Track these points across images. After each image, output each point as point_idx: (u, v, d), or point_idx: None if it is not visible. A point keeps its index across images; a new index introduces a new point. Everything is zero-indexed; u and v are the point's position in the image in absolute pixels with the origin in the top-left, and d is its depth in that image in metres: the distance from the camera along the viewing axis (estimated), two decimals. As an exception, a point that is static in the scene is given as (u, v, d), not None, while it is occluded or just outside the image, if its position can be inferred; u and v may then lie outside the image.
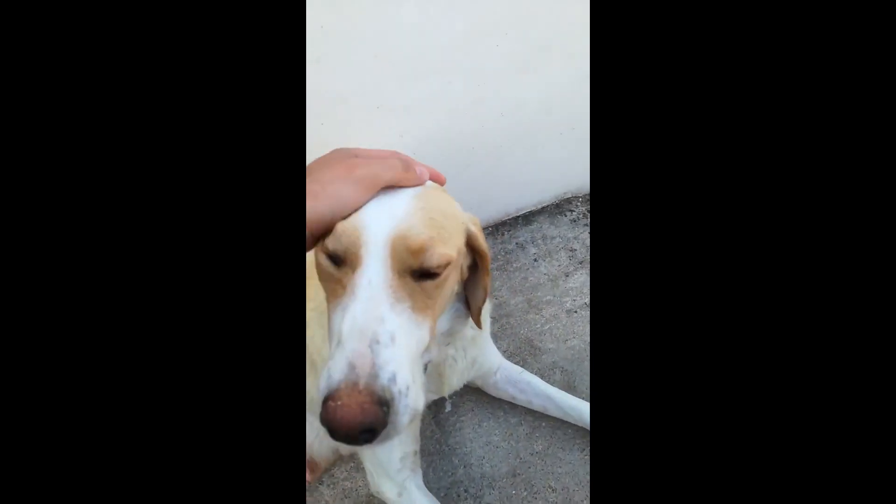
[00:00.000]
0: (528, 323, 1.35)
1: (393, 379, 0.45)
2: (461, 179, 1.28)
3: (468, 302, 0.70)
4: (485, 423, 1.21)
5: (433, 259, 0.51)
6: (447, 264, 0.53)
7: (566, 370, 1.26)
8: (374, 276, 0.49)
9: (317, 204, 0.49)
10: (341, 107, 1.06)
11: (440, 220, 0.54)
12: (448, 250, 0.53)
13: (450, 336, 0.75)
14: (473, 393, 1.25)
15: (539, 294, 1.39)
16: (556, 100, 1.24)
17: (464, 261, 0.64)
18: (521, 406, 1.19)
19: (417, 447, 0.92)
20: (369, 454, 0.86)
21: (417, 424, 0.93)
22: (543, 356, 1.29)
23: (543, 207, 1.51)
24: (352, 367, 0.45)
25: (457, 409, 1.24)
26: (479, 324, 0.71)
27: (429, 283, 0.52)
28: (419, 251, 0.51)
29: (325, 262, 0.53)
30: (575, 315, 1.34)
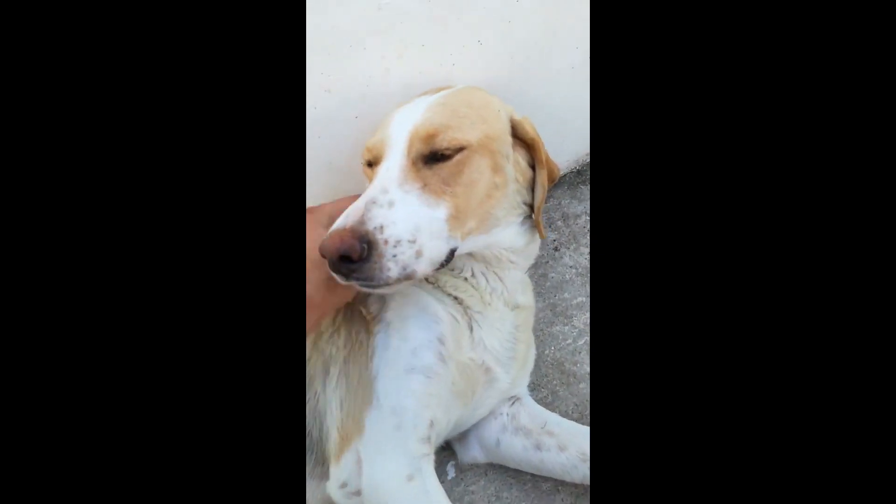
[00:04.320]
0: (554, 338, 0.96)
1: (380, 228, 0.55)
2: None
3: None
4: (505, 494, 0.83)
5: (442, 142, 0.61)
6: (459, 148, 0.62)
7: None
8: (390, 164, 0.61)
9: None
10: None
11: (463, 109, 0.65)
12: (463, 135, 0.62)
13: (520, 254, 0.76)
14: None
15: (566, 296, 1.00)
16: (562, 24, 0.85)
17: (521, 157, 0.71)
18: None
19: (448, 422, 0.72)
20: (386, 412, 0.65)
21: (451, 387, 0.71)
22: (580, 385, 0.91)
23: (561, 177, 1.12)
24: (345, 216, 0.56)
25: (463, 474, 0.86)
26: (539, 230, 0.74)
27: (443, 168, 0.61)
28: (429, 137, 0.61)
29: (367, 170, 0.68)
30: (618, 322, 0.96)
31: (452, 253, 0.63)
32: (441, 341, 0.69)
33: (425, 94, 0.71)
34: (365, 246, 0.54)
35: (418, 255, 0.57)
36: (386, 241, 0.55)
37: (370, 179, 0.65)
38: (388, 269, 0.55)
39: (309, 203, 0.86)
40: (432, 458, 0.68)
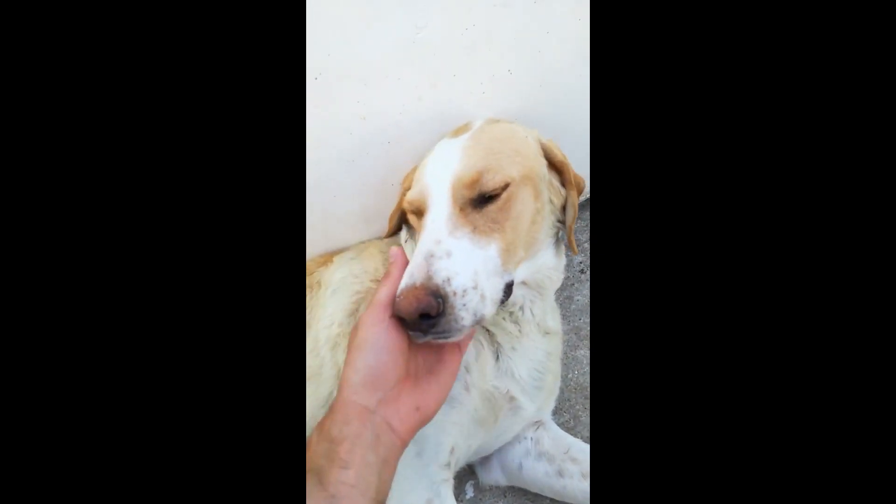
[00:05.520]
0: (578, 362, 0.97)
1: (447, 281, 0.56)
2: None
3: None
4: (524, 517, 0.83)
5: (488, 185, 0.62)
6: (505, 185, 0.63)
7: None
8: (436, 215, 0.62)
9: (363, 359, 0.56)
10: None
11: (496, 146, 0.67)
12: (507, 172, 0.64)
13: (558, 271, 0.77)
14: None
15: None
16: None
17: (553, 178, 0.72)
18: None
19: (468, 448, 0.75)
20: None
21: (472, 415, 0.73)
22: (604, 411, 0.91)
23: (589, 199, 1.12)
24: (411, 275, 0.57)
25: (482, 494, 0.87)
26: (573, 246, 0.74)
27: (491, 207, 0.63)
28: (473, 183, 0.62)
29: (412, 217, 0.70)
30: (644, 349, 0.95)
31: (510, 287, 0.64)
32: (466, 370, 0.71)
33: (446, 137, 0.73)
34: (440, 300, 0.54)
35: (483, 298, 0.58)
36: (455, 293, 0.56)
37: (417, 229, 0.67)
38: (462, 319, 0.55)
39: (346, 224, 0.90)
40: (451, 482, 0.69)
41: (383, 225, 0.90)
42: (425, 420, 0.57)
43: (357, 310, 0.79)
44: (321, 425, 0.52)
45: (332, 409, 0.53)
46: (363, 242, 0.91)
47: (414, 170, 0.76)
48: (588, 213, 1.12)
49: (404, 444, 0.55)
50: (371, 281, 0.81)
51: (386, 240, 0.86)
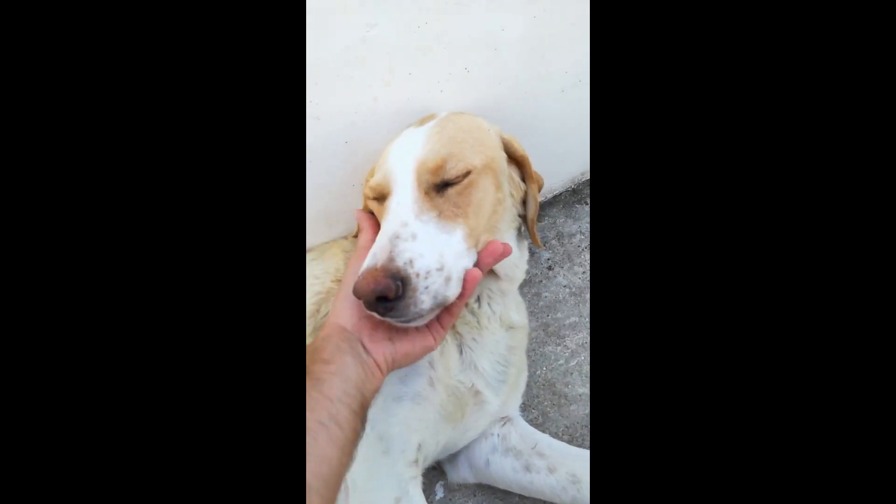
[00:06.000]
0: (546, 358, 0.97)
1: (410, 262, 0.56)
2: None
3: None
4: (494, 516, 0.83)
5: (451, 171, 0.63)
6: (467, 172, 0.64)
7: (607, 427, 0.87)
8: (401, 198, 0.62)
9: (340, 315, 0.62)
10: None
11: (460, 135, 0.67)
12: (470, 160, 0.65)
13: (520, 265, 0.78)
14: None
15: (559, 315, 1.00)
16: (550, 49, 0.86)
17: (514, 172, 0.73)
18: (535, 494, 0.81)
19: (436, 444, 0.74)
20: (373, 439, 0.67)
21: (437, 410, 0.72)
22: (571, 406, 0.91)
23: (556, 196, 1.12)
24: (374, 256, 0.57)
25: (452, 494, 0.86)
26: (535, 239, 0.77)
27: (452, 191, 0.63)
28: (437, 169, 0.63)
29: (373, 203, 0.69)
30: (611, 343, 0.95)
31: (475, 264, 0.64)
32: (431, 365, 0.70)
33: (411, 126, 0.73)
34: (399, 283, 0.54)
35: (447, 280, 0.57)
36: (417, 274, 0.55)
37: (379, 215, 0.67)
38: (422, 302, 0.55)
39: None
40: (420, 479, 0.69)
41: (344, 226, 0.89)
42: (398, 358, 0.60)
43: (318, 311, 0.78)
44: (308, 345, 0.59)
45: (317, 337, 0.60)
46: (326, 243, 0.90)
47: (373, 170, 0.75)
48: (553, 210, 1.12)
49: (382, 373, 0.59)
50: (332, 281, 0.80)
51: (350, 239, 0.85)
